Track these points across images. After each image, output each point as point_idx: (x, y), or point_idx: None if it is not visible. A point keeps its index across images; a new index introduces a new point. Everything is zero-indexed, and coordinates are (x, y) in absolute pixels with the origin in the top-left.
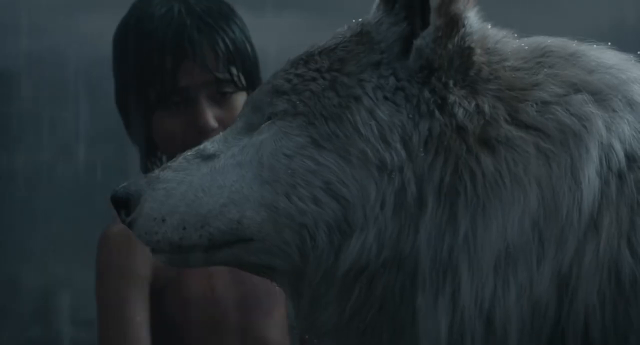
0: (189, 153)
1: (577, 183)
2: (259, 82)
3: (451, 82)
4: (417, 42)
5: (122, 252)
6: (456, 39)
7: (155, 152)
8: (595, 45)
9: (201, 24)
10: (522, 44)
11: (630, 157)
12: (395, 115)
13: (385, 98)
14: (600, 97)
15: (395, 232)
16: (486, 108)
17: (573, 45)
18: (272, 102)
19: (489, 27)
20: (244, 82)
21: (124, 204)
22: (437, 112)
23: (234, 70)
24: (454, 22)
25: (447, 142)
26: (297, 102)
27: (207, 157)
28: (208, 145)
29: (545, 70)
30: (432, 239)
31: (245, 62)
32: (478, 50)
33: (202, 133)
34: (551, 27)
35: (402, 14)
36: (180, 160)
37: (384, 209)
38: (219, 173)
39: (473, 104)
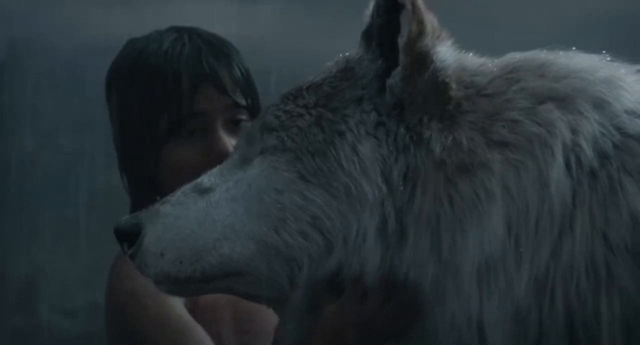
0: (187, 187)
1: (546, 188)
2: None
3: (426, 118)
4: (389, 80)
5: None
6: (426, 75)
7: (154, 191)
8: (564, 52)
9: (216, 50)
10: (493, 67)
11: (601, 155)
12: (377, 150)
13: (368, 133)
14: (566, 102)
15: (376, 260)
16: (464, 141)
17: (542, 56)
18: (262, 137)
19: (467, 56)
20: (258, 109)
21: (125, 237)
22: (412, 148)
23: (248, 98)
24: (421, 60)
25: (425, 175)
26: (285, 138)
27: (204, 191)
28: (205, 179)
29: (513, 87)
30: (417, 269)
31: (255, 91)
32: (454, 85)
33: (220, 161)
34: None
35: (378, 52)
36: (178, 194)
37: (364, 242)
38: (213, 207)
39: (450, 138)
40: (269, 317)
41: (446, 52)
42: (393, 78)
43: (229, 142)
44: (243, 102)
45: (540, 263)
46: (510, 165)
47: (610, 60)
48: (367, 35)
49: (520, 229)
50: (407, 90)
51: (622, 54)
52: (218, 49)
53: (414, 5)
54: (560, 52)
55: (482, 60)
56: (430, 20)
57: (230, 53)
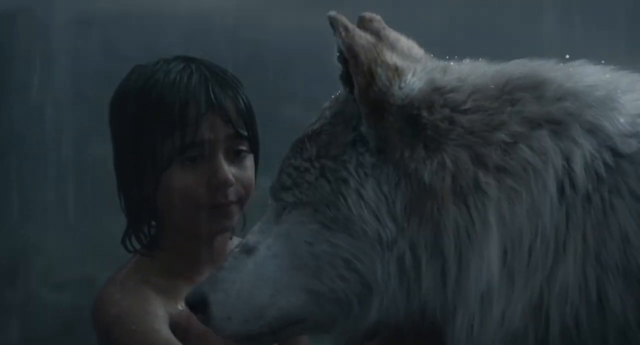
0: (235, 250)
1: (539, 217)
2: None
3: (407, 152)
4: (361, 128)
5: (130, 301)
6: (390, 117)
7: (150, 213)
8: (565, 66)
9: (221, 81)
10: (488, 82)
11: (595, 178)
12: (378, 190)
13: (367, 175)
14: (561, 127)
15: (404, 296)
16: (448, 161)
17: (540, 74)
18: (282, 196)
19: (442, 72)
20: (257, 141)
21: (196, 309)
22: (402, 183)
23: (249, 129)
24: (379, 106)
25: (420, 207)
26: (300, 195)
27: (250, 251)
28: (249, 238)
29: (509, 108)
30: (432, 298)
31: (255, 123)
32: (424, 113)
33: (220, 189)
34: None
35: (351, 97)
36: (230, 258)
37: (390, 279)
38: (261, 266)
39: (435, 162)
40: None
41: (411, 82)
42: (363, 125)
43: (229, 170)
44: (245, 132)
45: (533, 290)
46: (504, 193)
47: (613, 71)
48: (341, 78)
49: (514, 258)
50: (379, 134)
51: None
52: (223, 80)
53: (356, 58)
54: (562, 66)
55: (464, 68)
56: (382, 59)
57: (235, 85)
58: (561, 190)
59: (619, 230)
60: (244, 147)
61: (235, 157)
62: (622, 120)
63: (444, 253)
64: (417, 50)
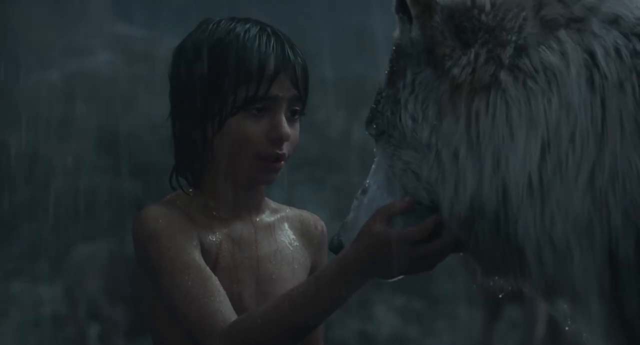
0: (358, 192)
1: (570, 110)
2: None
3: (447, 50)
4: (410, 35)
5: (169, 219)
6: (437, 17)
7: (202, 155)
8: None
9: (292, 46)
10: None
11: (626, 67)
12: (417, 102)
13: (411, 91)
14: (582, 25)
15: (451, 188)
16: (472, 58)
17: None
18: (369, 131)
19: None
20: (305, 104)
21: (335, 250)
22: (438, 83)
23: (306, 93)
24: (428, 6)
25: (451, 104)
26: (378, 126)
27: (364, 190)
28: (367, 180)
29: (531, 14)
30: (479, 194)
31: (308, 89)
32: (460, 14)
33: (276, 141)
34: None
35: (405, 18)
36: (354, 201)
37: (432, 179)
38: (372, 200)
39: (464, 59)
40: (289, 283)
41: None
42: (412, 32)
43: (287, 127)
44: (304, 96)
45: (586, 177)
46: (525, 92)
47: None
48: (396, 9)
49: (556, 150)
50: (426, 33)
51: None
52: (293, 46)
53: None
54: None
55: None
56: None
57: (300, 52)
58: (590, 83)
59: None
60: (298, 108)
61: (291, 117)
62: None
63: (479, 148)
64: None
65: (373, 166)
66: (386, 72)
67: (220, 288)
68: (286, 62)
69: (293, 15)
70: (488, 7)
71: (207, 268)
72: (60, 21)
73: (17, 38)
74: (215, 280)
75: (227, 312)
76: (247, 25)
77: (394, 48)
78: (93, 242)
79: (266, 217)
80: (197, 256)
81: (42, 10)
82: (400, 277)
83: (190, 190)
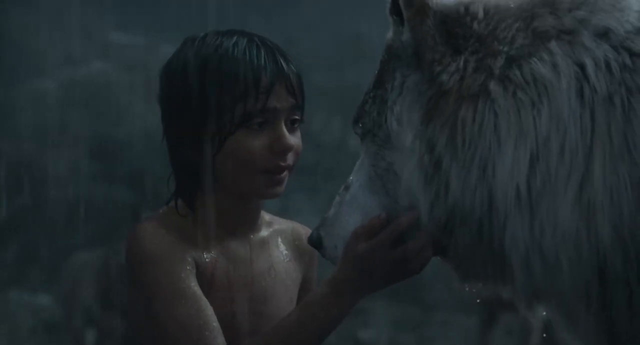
0: (341, 189)
1: (560, 122)
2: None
3: (437, 56)
4: (402, 37)
5: (165, 241)
6: (428, 21)
7: (201, 177)
8: None
9: (284, 55)
10: (509, 2)
11: (615, 81)
12: (404, 105)
13: (399, 94)
14: (573, 37)
15: (432, 193)
16: (461, 65)
17: None
18: (355, 130)
19: None
20: (303, 112)
21: (315, 245)
22: (426, 87)
23: (303, 100)
24: (421, 9)
25: (438, 109)
26: (363, 125)
27: (347, 186)
28: (350, 176)
29: (522, 24)
30: (462, 202)
31: (304, 96)
32: (453, 21)
33: (281, 154)
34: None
35: (397, 20)
36: (336, 197)
37: (418, 184)
38: (353, 196)
39: (454, 65)
40: (282, 301)
41: None
42: (404, 34)
43: (290, 137)
44: (302, 105)
45: (575, 189)
46: (515, 103)
47: None
48: (390, 11)
49: (544, 162)
50: (418, 36)
51: None
52: (285, 54)
53: None
54: None
55: None
56: None
57: (292, 59)
58: (580, 95)
59: None
60: (297, 117)
61: (291, 126)
62: (630, 18)
63: (464, 156)
64: None
65: (357, 163)
66: (376, 72)
67: (216, 321)
68: (280, 72)
69: (289, 23)
70: (481, 15)
71: (203, 297)
72: (56, 29)
73: (12, 46)
74: (211, 311)
75: None
76: (235, 38)
77: (385, 49)
78: (89, 249)
79: (261, 233)
80: (193, 283)
81: (37, 18)
82: (389, 285)
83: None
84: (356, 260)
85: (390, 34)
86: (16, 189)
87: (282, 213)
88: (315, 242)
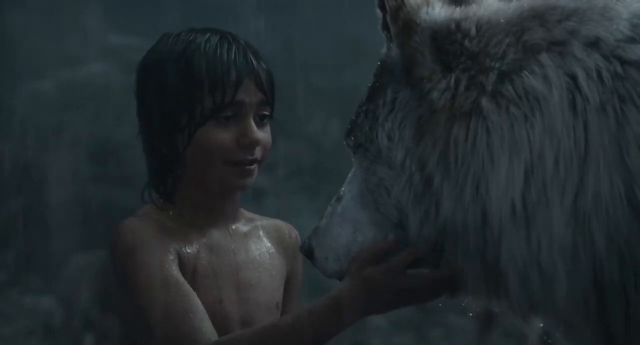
0: (333, 199)
1: (553, 134)
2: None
3: (426, 73)
4: (391, 53)
5: (146, 234)
6: (416, 37)
7: (175, 169)
8: None
9: (254, 52)
10: (500, 16)
11: (607, 90)
12: (395, 122)
13: (390, 110)
14: (563, 48)
15: (422, 211)
16: (452, 83)
17: (549, 2)
18: (347, 142)
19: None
20: (273, 108)
21: (307, 255)
22: (416, 105)
23: (272, 96)
24: (407, 25)
25: (429, 127)
26: (356, 138)
27: (339, 198)
28: (343, 187)
29: (513, 39)
30: (454, 219)
31: (274, 92)
32: (442, 38)
33: (248, 147)
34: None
35: (388, 35)
36: (328, 207)
37: (408, 201)
38: (345, 209)
39: (444, 82)
40: (269, 288)
41: (438, 12)
42: (393, 50)
43: (257, 131)
44: (272, 100)
45: (570, 200)
46: (508, 118)
47: None
48: (382, 26)
49: (540, 175)
50: (406, 52)
51: None
52: (256, 51)
53: None
54: None
55: (492, 4)
56: None
57: (262, 56)
58: (572, 106)
59: (635, 139)
60: (266, 112)
61: (260, 121)
62: (620, 26)
63: (457, 175)
64: None
65: (349, 175)
66: (369, 85)
67: (201, 305)
68: (249, 68)
69: (288, 25)
70: (473, 32)
71: (187, 284)
72: (54, 30)
73: (11, 47)
74: (195, 296)
75: (208, 330)
76: (207, 35)
77: (379, 64)
78: (87, 251)
79: (242, 226)
80: (176, 271)
81: (36, 19)
82: (395, 310)
83: (163, 202)
84: (364, 283)
85: (384, 49)
86: (15, 191)
87: (282, 214)
88: (307, 252)
